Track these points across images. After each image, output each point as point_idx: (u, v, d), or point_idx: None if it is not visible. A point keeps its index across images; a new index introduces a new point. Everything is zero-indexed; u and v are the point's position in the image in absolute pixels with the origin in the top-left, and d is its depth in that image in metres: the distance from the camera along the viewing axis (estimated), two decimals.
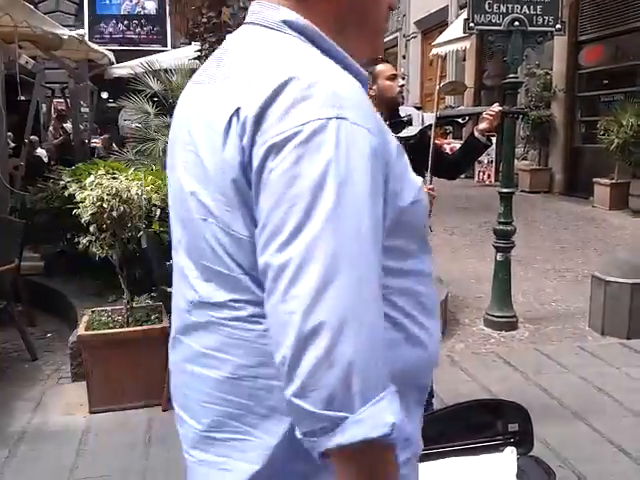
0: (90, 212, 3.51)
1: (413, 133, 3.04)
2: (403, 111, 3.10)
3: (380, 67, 3.00)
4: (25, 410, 3.63)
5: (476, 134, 3.10)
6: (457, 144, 12.24)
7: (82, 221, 3.57)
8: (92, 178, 3.65)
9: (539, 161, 12.62)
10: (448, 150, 12.19)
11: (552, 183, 12.31)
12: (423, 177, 2.99)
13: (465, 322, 5.14)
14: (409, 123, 3.06)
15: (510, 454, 2.79)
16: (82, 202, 3.56)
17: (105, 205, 3.48)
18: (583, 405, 3.62)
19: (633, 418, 3.49)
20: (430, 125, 3.05)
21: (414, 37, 18.10)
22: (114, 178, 3.80)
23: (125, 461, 3.09)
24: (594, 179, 10.49)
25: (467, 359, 4.37)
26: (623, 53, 10.84)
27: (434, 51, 14.77)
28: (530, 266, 6.80)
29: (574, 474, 2.93)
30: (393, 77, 3.02)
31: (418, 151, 2.99)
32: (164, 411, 3.56)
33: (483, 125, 3.10)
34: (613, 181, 10.06)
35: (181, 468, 3.37)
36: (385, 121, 3.06)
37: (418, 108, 3.22)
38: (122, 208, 3.53)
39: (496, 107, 3.13)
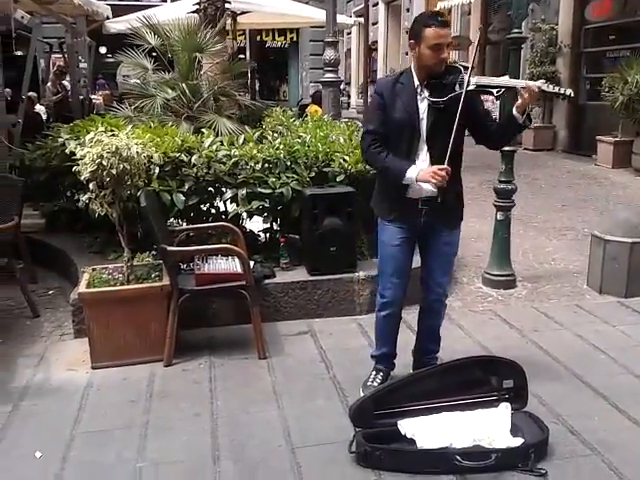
0: (90, 169, 3.48)
1: (442, 99, 2.91)
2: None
3: (427, 32, 2.85)
4: (28, 366, 3.68)
5: (514, 112, 2.94)
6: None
7: (82, 178, 3.56)
8: (92, 135, 3.63)
9: (543, 118, 12.50)
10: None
11: (555, 141, 12.23)
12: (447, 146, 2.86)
13: (463, 280, 5.17)
14: (451, 86, 2.90)
15: (505, 410, 2.85)
16: (82, 159, 3.54)
17: (105, 163, 3.47)
18: (578, 362, 3.67)
19: (627, 375, 3.54)
20: (460, 94, 2.85)
21: None
22: (114, 135, 3.77)
23: (127, 416, 3.15)
24: (597, 137, 10.41)
25: (464, 317, 4.41)
26: (630, 8, 10.63)
27: (439, 5, 14.50)
28: (530, 225, 6.81)
29: (567, 429, 2.98)
30: (435, 46, 2.86)
31: (446, 116, 2.89)
32: (166, 367, 3.62)
33: (518, 102, 2.92)
34: (617, 139, 9.99)
35: (181, 423, 3.43)
36: (423, 82, 2.97)
37: (466, 68, 3.03)
38: (122, 166, 3.51)
39: (537, 84, 2.89)
